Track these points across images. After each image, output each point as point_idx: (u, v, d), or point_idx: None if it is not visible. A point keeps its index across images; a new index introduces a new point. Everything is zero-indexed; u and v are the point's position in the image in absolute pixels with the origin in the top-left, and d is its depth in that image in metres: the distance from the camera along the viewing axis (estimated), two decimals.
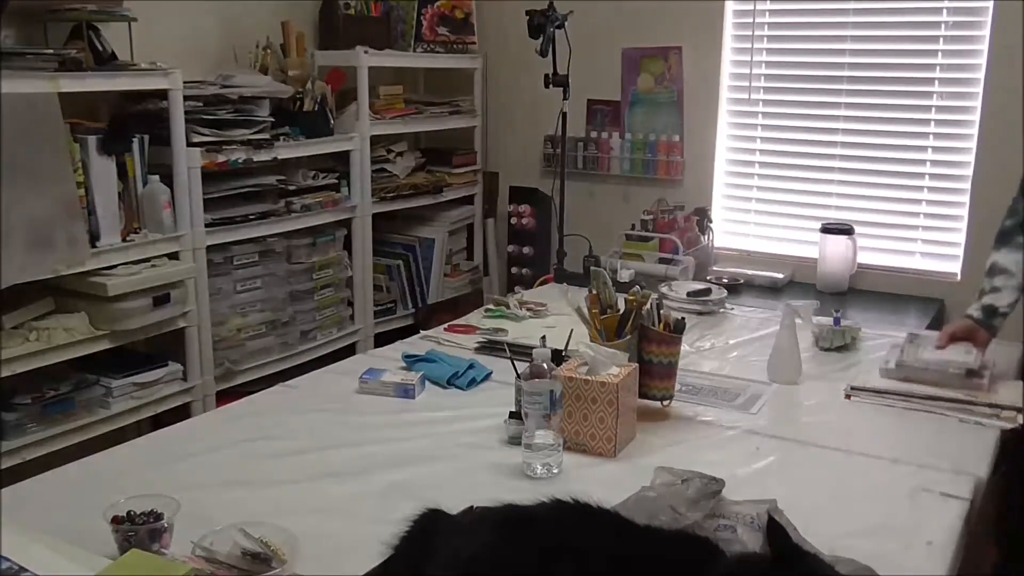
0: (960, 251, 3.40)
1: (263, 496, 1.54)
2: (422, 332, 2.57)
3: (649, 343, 1.93)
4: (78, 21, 2.70)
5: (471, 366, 2.17)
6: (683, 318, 1.98)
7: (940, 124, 3.41)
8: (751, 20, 3.65)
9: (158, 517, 1.34)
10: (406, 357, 2.24)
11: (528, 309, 2.67)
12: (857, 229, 3.45)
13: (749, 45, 3.67)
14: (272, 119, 3.18)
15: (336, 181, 3.52)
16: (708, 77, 3.74)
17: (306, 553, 1.32)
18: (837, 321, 2.42)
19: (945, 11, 3.33)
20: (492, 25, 4.14)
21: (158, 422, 2.72)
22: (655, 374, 1.94)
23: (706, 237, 3.69)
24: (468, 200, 4.22)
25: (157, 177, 2.80)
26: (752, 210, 3.82)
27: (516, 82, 4.11)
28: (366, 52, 3.55)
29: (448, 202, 4.10)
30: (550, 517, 1.29)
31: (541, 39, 3.38)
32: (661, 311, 1.98)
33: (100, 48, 2.75)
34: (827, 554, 1.33)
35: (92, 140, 2.60)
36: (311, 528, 1.43)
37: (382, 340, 3.36)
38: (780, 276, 3.51)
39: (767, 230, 3.79)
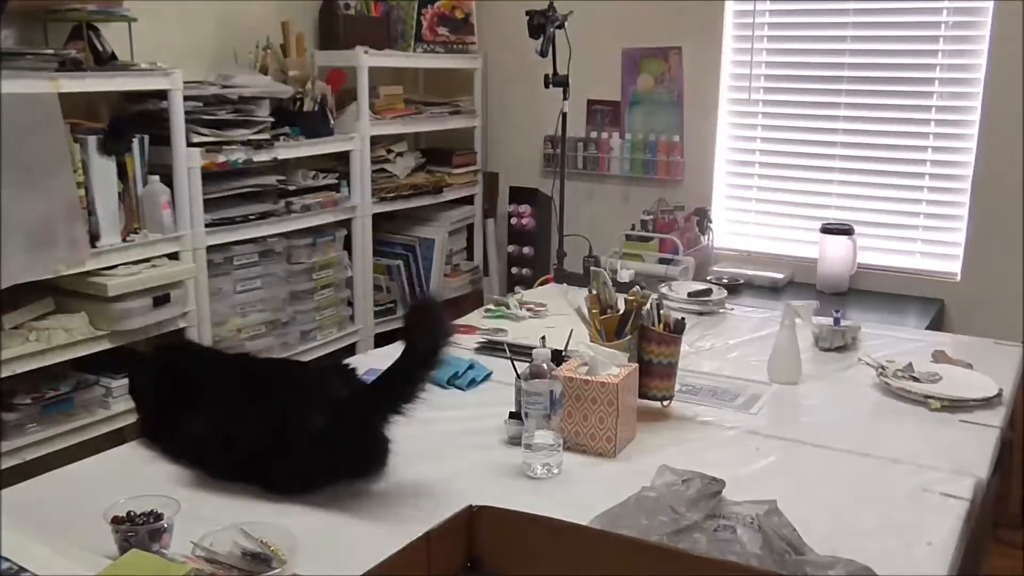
0: (960, 251, 3.41)
1: (263, 496, 1.54)
2: None
3: (649, 343, 1.93)
4: (78, 21, 2.70)
5: (471, 366, 2.17)
6: (683, 318, 1.98)
7: (940, 124, 3.41)
8: (751, 20, 3.65)
9: (158, 517, 1.34)
10: None
11: (528, 309, 2.67)
12: (857, 229, 3.45)
13: (749, 45, 3.67)
14: (272, 119, 3.18)
15: (336, 181, 3.52)
16: (708, 77, 3.74)
17: (306, 553, 1.32)
18: (837, 321, 2.41)
19: (945, 11, 3.33)
20: (492, 25, 4.14)
21: None
22: (655, 374, 1.94)
23: (706, 237, 3.70)
24: (468, 200, 4.23)
25: (157, 177, 2.80)
26: (752, 210, 3.82)
27: (516, 82, 4.11)
28: (366, 52, 3.55)
29: (448, 202, 4.10)
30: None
31: (541, 39, 3.38)
32: (661, 311, 1.98)
33: (100, 48, 2.75)
34: (827, 554, 1.33)
35: (92, 140, 2.60)
36: (311, 528, 1.43)
37: (382, 340, 3.36)
38: (780, 276, 3.51)
39: (767, 230, 3.79)
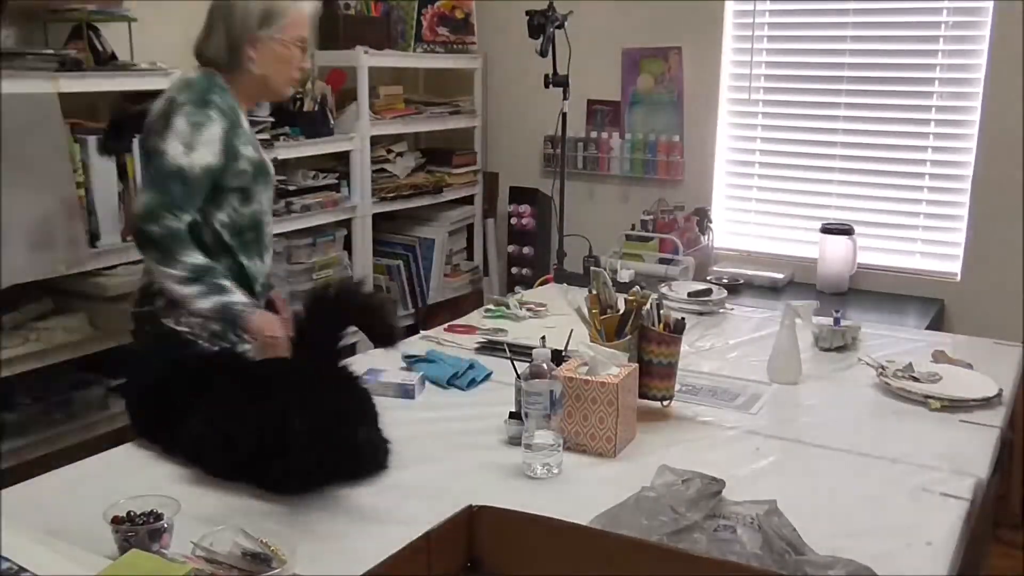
0: (960, 251, 3.41)
1: (263, 496, 1.54)
2: (422, 332, 2.57)
3: (649, 343, 1.93)
4: (78, 21, 2.70)
5: (471, 366, 2.17)
6: (683, 318, 1.98)
7: (940, 124, 3.41)
8: (751, 20, 3.65)
9: (158, 517, 1.34)
10: (406, 357, 2.24)
11: (528, 309, 2.67)
12: (857, 229, 3.45)
13: (749, 45, 3.67)
14: (272, 119, 3.18)
15: (336, 181, 3.52)
16: (708, 77, 3.74)
17: (306, 553, 1.32)
18: (837, 321, 2.41)
19: (945, 11, 3.33)
20: (492, 25, 4.14)
21: None
22: (655, 374, 1.94)
23: (706, 237, 3.70)
24: (468, 200, 4.23)
25: None
26: (752, 210, 3.82)
27: (516, 82, 4.11)
28: (366, 52, 3.55)
29: (448, 202, 4.10)
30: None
31: (541, 39, 3.38)
32: (661, 311, 1.98)
33: (100, 48, 2.75)
34: (827, 554, 1.33)
35: (92, 140, 2.60)
36: (311, 528, 1.43)
37: None
38: (780, 276, 3.51)
39: (767, 230, 3.79)
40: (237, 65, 2.09)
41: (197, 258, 1.93)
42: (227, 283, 1.96)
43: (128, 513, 1.34)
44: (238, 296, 1.96)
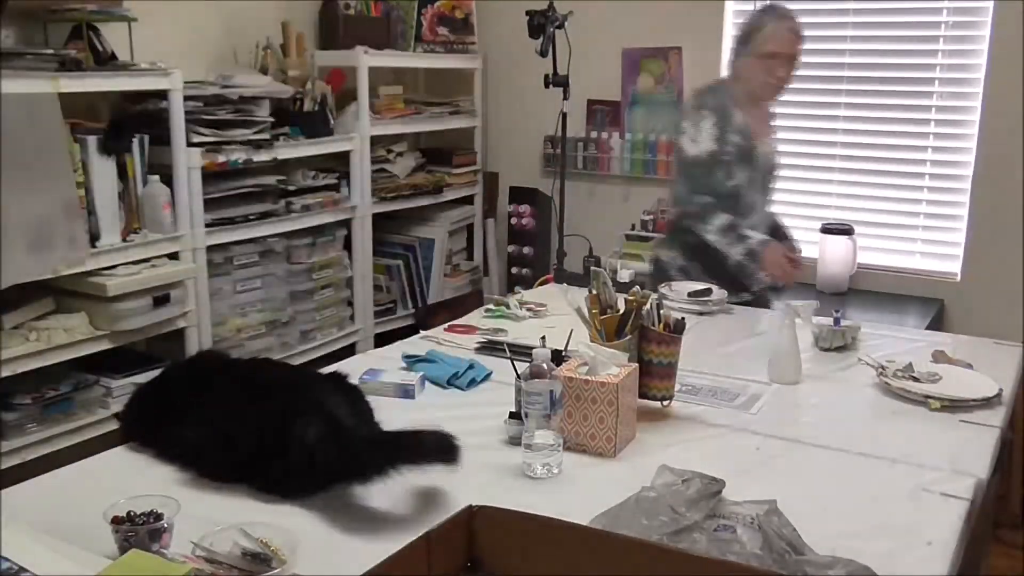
0: (960, 251, 3.41)
1: (263, 496, 1.54)
2: (422, 332, 2.57)
3: (649, 343, 1.93)
4: (78, 21, 2.70)
5: (471, 366, 2.16)
6: (683, 318, 1.98)
7: (940, 124, 3.41)
8: None
9: (158, 517, 1.34)
10: (406, 357, 2.24)
11: (528, 309, 2.67)
12: (857, 229, 3.45)
13: None
14: (272, 119, 3.18)
15: (336, 181, 3.53)
16: (708, 77, 3.72)
17: (306, 553, 1.32)
18: (837, 321, 2.41)
19: (945, 11, 3.34)
20: (492, 25, 4.14)
21: None
22: (655, 374, 1.94)
23: None
24: (468, 200, 4.23)
25: (157, 177, 2.80)
26: None
27: (516, 82, 4.11)
28: (366, 52, 3.55)
29: (448, 202, 4.10)
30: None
31: (541, 39, 3.38)
32: (661, 311, 1.97)
33: (100, 48, 2.75)
34: (827, 554, 1.33)
35: (92, 140, 2.60)
36: (311, 528, 1.43)
37: (382, 340, 3.36)
38: None
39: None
40: (733, 76, 2.81)
41: (721, 219, 2.72)
42: (746, 232, 2.73)
43: (128, 513, 1.34)
44: (755, 238, 2.72)
